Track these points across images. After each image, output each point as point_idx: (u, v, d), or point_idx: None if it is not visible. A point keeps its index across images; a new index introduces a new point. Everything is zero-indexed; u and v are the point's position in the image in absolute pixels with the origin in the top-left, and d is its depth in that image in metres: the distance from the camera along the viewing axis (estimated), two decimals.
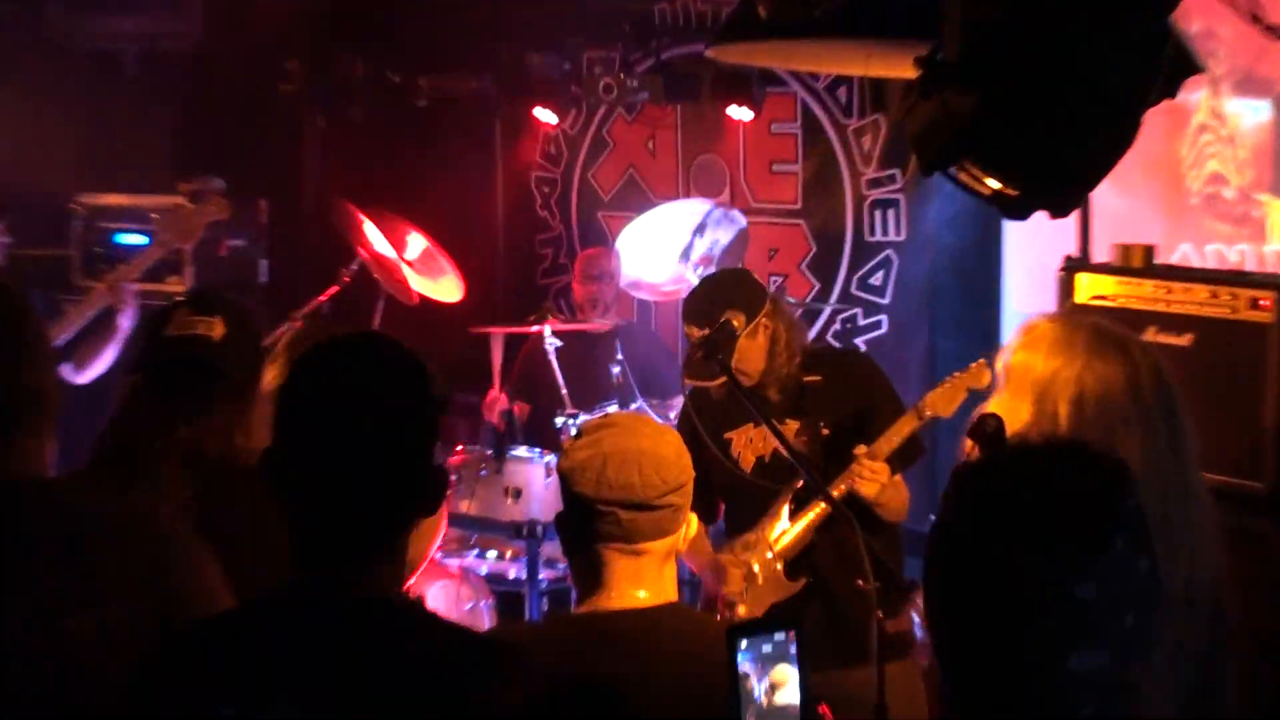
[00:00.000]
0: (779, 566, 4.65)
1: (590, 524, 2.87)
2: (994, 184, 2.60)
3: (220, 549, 2.75)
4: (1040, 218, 2.81)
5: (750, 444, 4.82)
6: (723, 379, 4.50)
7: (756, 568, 4.67)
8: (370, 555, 2.30)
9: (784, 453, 4.46)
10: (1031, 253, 7.03)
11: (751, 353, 4.66)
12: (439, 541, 5.90)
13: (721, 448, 4.80)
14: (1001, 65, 2.53)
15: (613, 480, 2.84)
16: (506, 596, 6.51)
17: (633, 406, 6.56)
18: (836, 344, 7.77)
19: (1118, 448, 2.77)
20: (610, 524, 2.85)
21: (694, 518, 3.01)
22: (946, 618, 1.94)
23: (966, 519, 1.93)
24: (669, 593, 2.94)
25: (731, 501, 4.93)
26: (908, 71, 2.80)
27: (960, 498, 1.96)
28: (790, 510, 4.66)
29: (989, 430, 2.57)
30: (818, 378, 4.75)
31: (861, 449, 4.46)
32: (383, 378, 2.33)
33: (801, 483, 4.56)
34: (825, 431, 4.69)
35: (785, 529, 4.65)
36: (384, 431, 2.28)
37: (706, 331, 4.57)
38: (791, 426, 4.70)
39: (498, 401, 7.12)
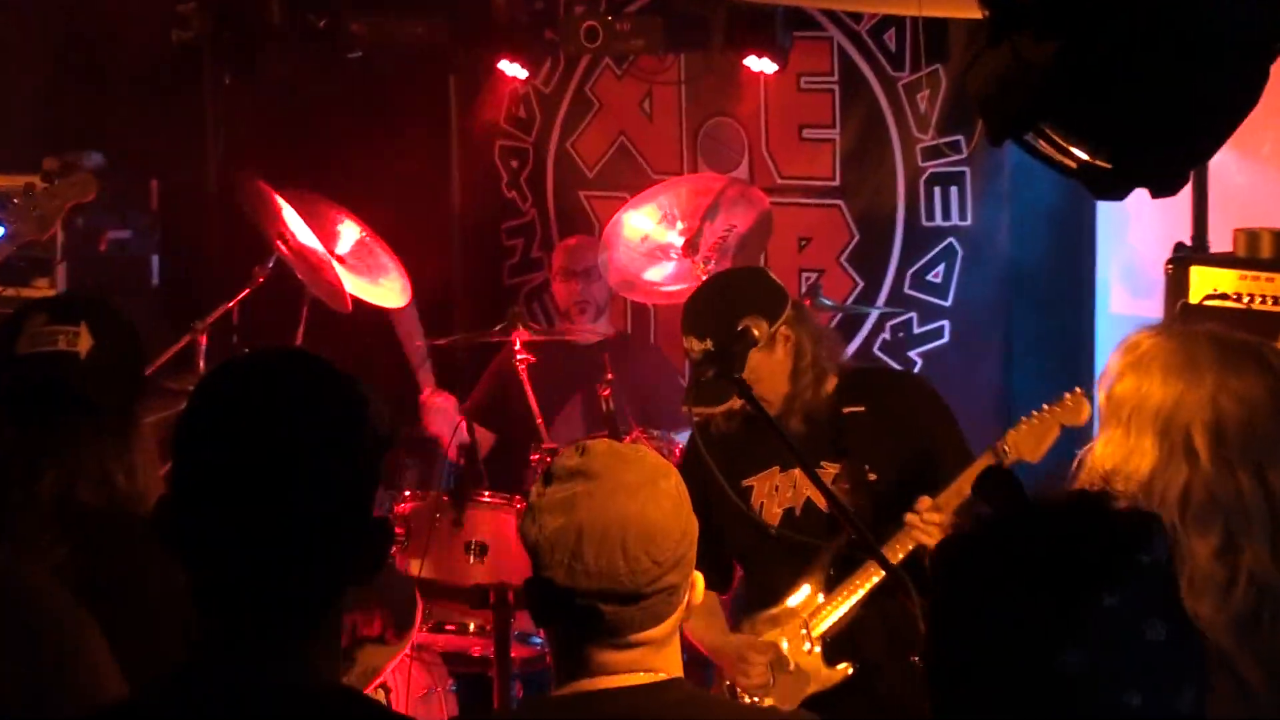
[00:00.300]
0: (817, 651, 4.67)
1: (567, 617, 2.86)
2: (1080, 155, 2.61)
3: (105, 622, 2.76)
4: (1143, 198, 2.83)
5: (776, 493, 4.83)
6: (738, 403, 4.52)
7: (787, 649, 4.69)
8: (293, 632, 2.30)
9: (822, 504, 4.48)
10: (1133, 241, 7.06)
11: (771, 370, 4.68)
12: (403, 650, 5.93)
13: (740, 497, 4.81)
14: (1089, 3, 2.55)
15: (590, 566, 2.80)
16: (471, 680, 6.51)
17: (627, 441, 6.57)
18: (886, 360, 7.79)
19: (1275, 482, 2.82)
20: (591, 619, 2.83)
21: (699, 578, 3.00)
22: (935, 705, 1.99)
23: (946, 590, 2.03)
24: (669, 669, 2.94)
25: (753, 565, 4.94)
26: (972, 11, 2.81)
27: (942, 569, 2.05)
28: (827, 579, 4.67)
29: (995, 484, 2.62)
30: (860, 408, 4.77)
31: (925, 502, 4.47)
32: (306, 407, 2.33)
33: (843, 542, 4.57)
34: (872, 477, 4.70)
35: (825, 604, 4.67)
36: (309, 476, 2.29)
37: (709, 345, 4.58)
38: (828, 471, 4.72)
39: (456, 431, 7.11)
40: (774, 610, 4.76)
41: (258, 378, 2.38)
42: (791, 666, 4.70)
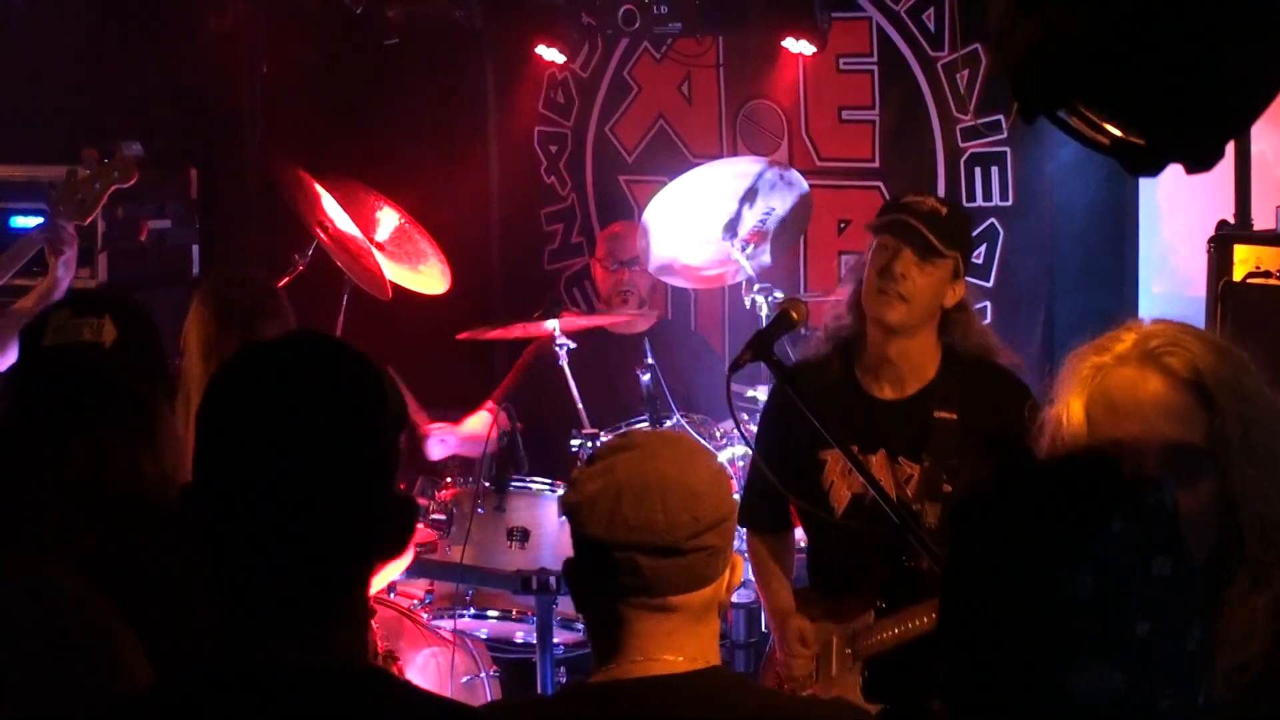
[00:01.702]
0: (860, 675, 4.65)
1: (605, 574, 2.87)
2: (1113, 130, 2.60)
3: (136, 607, 2.77)
4: (1184, 175, 2.81)
5: (849, 474, 4.78)
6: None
7: (834, 652, 4.67)
8: (319, 613, 2.32)
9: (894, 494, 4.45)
10: (1175, 219, 7.03)
11: (931, 290, 4.73)
12: (401, 568, 5.93)
13: (814, 468, 4.76)
14: None
15: (629, 517, 2.83)
16: (514, 665, 6.52)
17: (667, 425, 6.57)
18: None
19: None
20: (629, 574, 2.84)
21: (740, 561, 3.01)
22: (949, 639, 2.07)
23: (961, 535, 2.11)
24: (709, 655, 2.94)
25: (815, 536, 4.91)
26: None
27: (958, 517, 2.16)
28: (887, 592, 4.63)
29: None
30: (952, 415, 4.74)
31: None
32: (322, 387, 2.35)
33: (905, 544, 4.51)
34: (947, 489, 4.66)
35: (879, 628, 4.63)
36: (328, 455, 2.30)
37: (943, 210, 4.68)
38: (905, 470, 4.70)
39: (494, 421, 7.11)
40: (833, 604, 4.73)
41: (274, 361, 2.40)
42: (833, 671, 4.68)
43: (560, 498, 3.03)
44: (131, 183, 6.21)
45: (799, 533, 5.25)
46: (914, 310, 4.74)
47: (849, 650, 4.66)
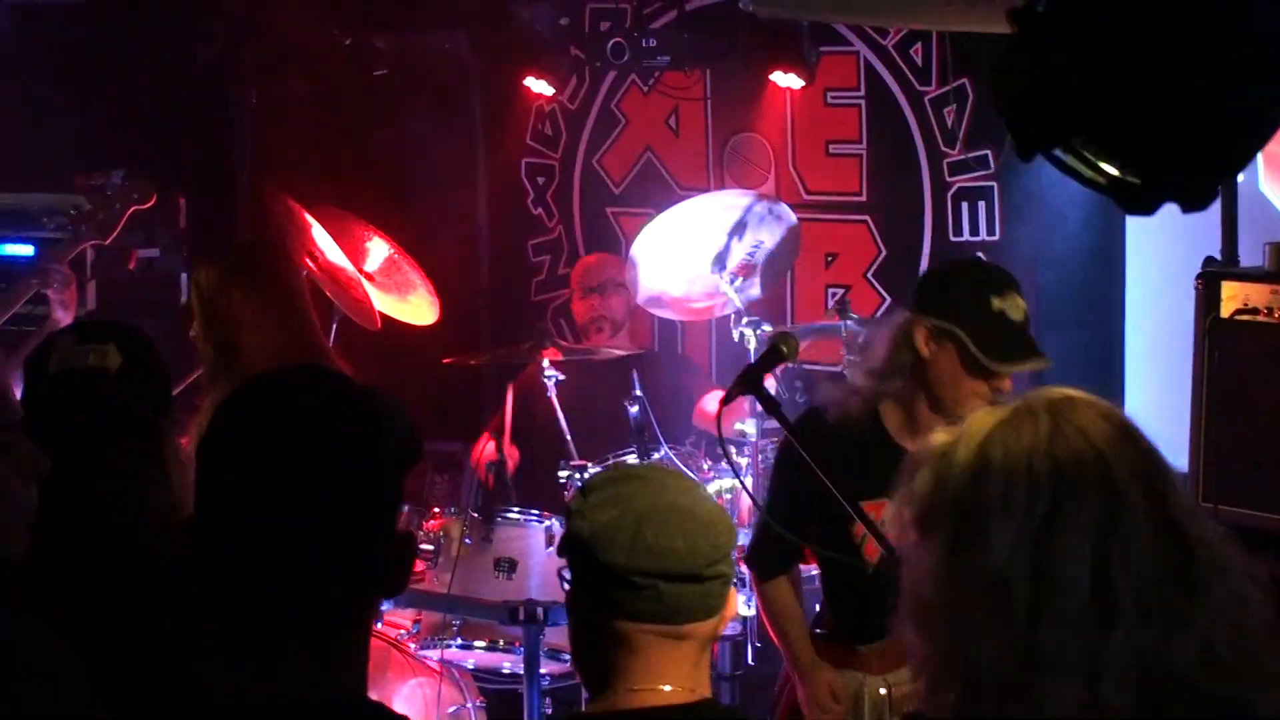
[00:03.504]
0: None
1: (621, 601, 2.91)
2: (1110, 169, 2.62)
3: (143, 635, 2.77)
4: (1172, 211, 2.84)
5: (881, 527, 4.72)
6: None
7: (866, 703, 4.67)
8: (319, 650, 2.32)
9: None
10: (1162, 255, 7.06)
11: (950, 373, 4.67)
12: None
13: (844, 521, 4.59)
14: (1119, 15, 2.56)
15: (653, 545, 2.88)
16: (500, 696, 6.53)
17: (655, 457, 6.58)
18: None
19: None
20: (649, 600, 2.89)
21: (733, 594, 3.05)
22: None
23: None
24: (702, 686, 2.98)
25: (845, 588, 4.86)
26: (1000, 25, 2.83)
27: None
28: None
29: None
30: None
31: None
32: (323, 425, 2.35)
33: None
34: None
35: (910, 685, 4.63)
36: (328, 493, 2.30)
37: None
38: None
39: (485, 450, 7.11)
40: (851, 650, 4.72)
41: (276, 396, 2.40)
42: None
43: (567, 528, 3.03)
44: (150, 204, 6.27)
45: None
46: (949, 391, 4.74)
47: (883, 699, 4.64)
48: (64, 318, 5.88)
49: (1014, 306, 4.64)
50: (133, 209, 6.17)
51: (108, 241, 6.18)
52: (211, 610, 2.33)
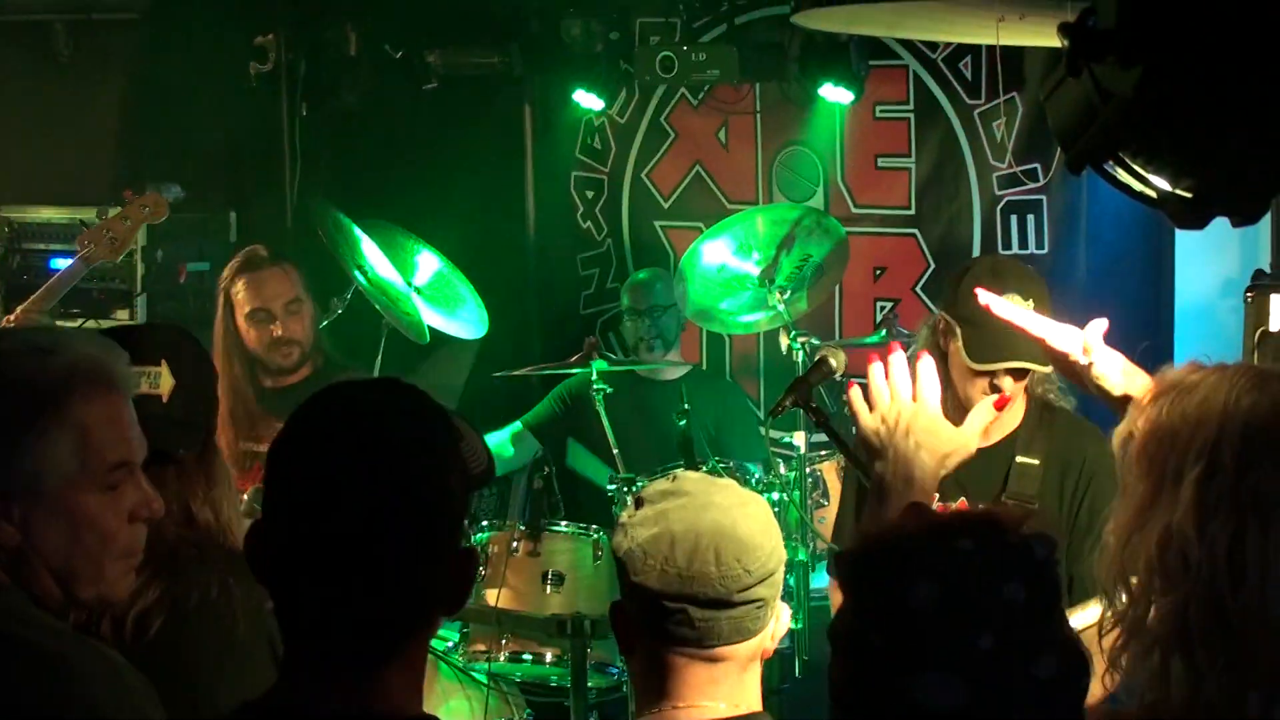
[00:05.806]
0: None
1: (654, 622, 2.89)
2: (1161, 184, 2.61)
3: (193, 654, 2.77)
4: (1222, 224, 2.82)
5: None
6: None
7: None
8: (379, 663, 2.32)
9: None
10: (1212, 268, 7.02)
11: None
12: None
13: None
14: (1171, 31, 2.55)
15: (683, 570, 2.85)
16: (547, 709, 6.51)
17: (702, 471, 6.55)
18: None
19: None
20: (679, 624, 2.87)
21: (784, 609, 3.03)
22: None
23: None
24: (751, 701, 2.96)
25: None
26: (1050, 39, 2.82)
27: None
28: None
29: None
30: (1035, 460, 4.71)
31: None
32: (398, 439, 2.34)
33: None
34: None
35: None
36: (398, 507, 2.30)
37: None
38: None
39: (534, 459, 7.10)
40: None
41: (352, 407, 2.39)
42: None
43: (612, 543, 3.02)
44: (162, 219, 6.26)
45: None
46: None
47: None
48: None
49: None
50: (142, 224, 6.18)
51: (119, 259, 6.19)
52: (277, 615, 2.33)
